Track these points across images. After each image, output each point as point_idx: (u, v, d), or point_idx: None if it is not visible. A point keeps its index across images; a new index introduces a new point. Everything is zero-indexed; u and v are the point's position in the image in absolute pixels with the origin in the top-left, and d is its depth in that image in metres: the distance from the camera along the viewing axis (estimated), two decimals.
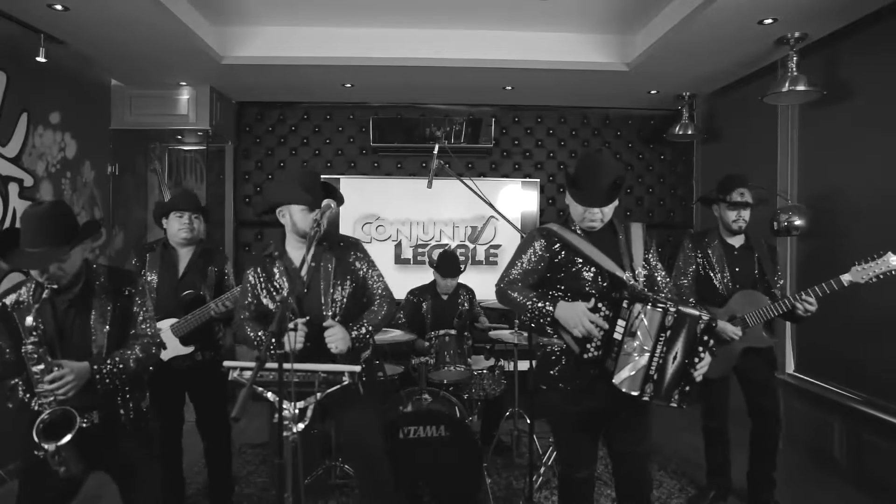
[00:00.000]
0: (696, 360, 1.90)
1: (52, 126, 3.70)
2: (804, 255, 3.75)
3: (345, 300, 2.25)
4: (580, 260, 2.08)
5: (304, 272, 2.08)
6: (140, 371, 2.00)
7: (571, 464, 2.20)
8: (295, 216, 2.21)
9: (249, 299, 2.31)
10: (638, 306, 1.91)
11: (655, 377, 1.91)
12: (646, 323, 1.90)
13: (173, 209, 2.75)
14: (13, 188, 3.36)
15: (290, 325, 2.11)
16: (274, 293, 2.25)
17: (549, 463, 3.35)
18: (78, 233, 1.92)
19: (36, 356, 1.75)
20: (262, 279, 2.28)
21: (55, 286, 1.83)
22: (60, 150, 3.81)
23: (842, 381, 3.37)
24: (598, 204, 2.07)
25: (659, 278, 2.18)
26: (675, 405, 1.92)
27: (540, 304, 2.05)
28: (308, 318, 2.14)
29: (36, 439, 1.70)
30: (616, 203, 2.13)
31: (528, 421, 2.96)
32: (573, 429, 2.15)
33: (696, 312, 1.91)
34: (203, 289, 2.76)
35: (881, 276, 2.45)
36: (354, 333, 2.15)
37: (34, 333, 1.75)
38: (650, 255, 2.18)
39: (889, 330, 3.04)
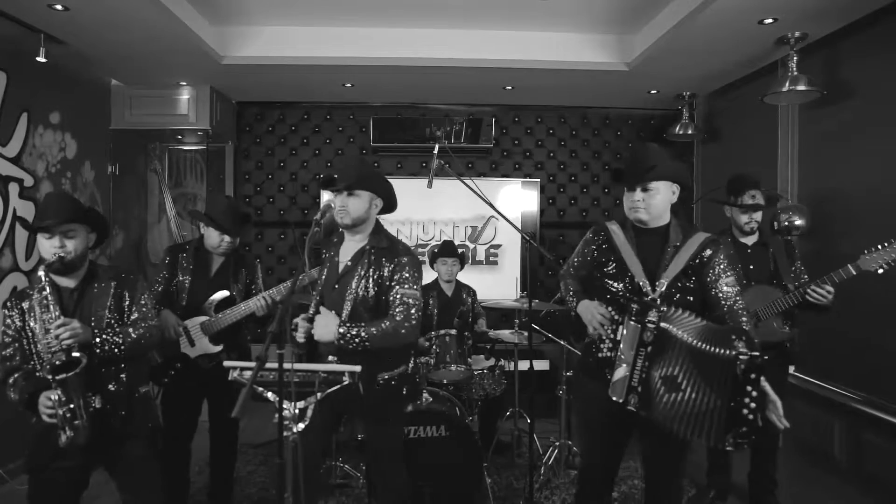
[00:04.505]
0: (747, 399, 1.67)
1: (52, 126, 3.70)
2: (804, 254, 3.74)
3: (365, 305, 2.16)
4: (614, 260, 2.08)
5: (341, 269, 2.23)
6: (139, 348, 2.06)
7: (593, 463, 2.19)
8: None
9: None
10: (626, 317, 1.90)
11: (640, 390, 1.87)
12: (626, 334, 1.90)
13: (213, 227, 2.70)
14: (13, 188, 3.36)
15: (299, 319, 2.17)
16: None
17: (549, 463, 3.36)
18: (86, 212, 2.09)
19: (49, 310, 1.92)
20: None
21: (62, 256, 1.95)
22: (60, 150, 3.81)
23: (842, 381, 3.37)
24: (631, 183, 2.02)
25: (717, 293, 1.95)
26: (729, 447, 1.70)
27: (570, 299, 2.19)
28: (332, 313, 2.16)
29: (49, 377, 1.83)
30: (662, 196, 2.00)
31: (529, 421, 2.96)
32: (604, 427, 2.11)
33: (703, 347, 1.73)
34: (234, 290, 2.77)
35: (893, 264, 2.39)
36: (342, 330, 2.03)
37: (49, 298, 1.92)
38: (713, 270, 1.97)
39: (889, 329, 3.04)
